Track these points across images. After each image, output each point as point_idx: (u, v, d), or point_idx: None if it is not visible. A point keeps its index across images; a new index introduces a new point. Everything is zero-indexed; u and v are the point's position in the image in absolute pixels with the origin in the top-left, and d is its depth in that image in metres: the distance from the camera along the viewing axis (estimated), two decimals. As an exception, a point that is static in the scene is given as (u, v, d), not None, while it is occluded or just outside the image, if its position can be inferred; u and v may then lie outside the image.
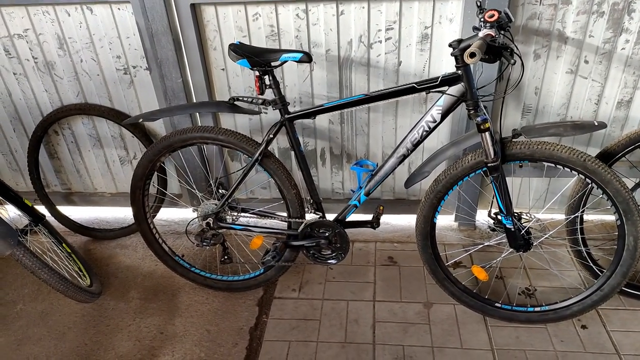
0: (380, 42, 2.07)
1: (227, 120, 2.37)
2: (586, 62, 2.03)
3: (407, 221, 2.59)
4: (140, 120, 1.90)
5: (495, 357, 1.81)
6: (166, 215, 2.72)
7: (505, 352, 1.83)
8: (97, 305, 2.16)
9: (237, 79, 2.23)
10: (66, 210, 2.63)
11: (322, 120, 2.31)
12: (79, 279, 2.13)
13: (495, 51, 1.45)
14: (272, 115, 2.30)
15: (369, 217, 2.01)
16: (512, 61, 1.40)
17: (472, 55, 1.30)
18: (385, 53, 2.09)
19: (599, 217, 2.44)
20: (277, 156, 2.39)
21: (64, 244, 2.25)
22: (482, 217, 2.42)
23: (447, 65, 2.10)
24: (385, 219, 2.61)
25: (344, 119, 2.29)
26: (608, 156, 1.88)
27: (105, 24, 2.14)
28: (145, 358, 1.89)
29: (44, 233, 2.19)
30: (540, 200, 2.43)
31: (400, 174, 2.43)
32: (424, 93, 1.67)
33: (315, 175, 2.48)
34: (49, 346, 1.97)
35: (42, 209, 2.50)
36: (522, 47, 2.02)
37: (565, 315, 1.87)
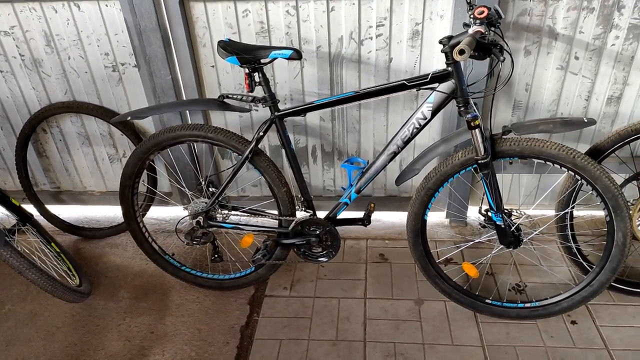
0: (371, 38, 2.06)
1: (218, 118, 2.35)
2: (576, 58, 2.04)
3: (399, 218, 2.59)
4: (129, 118, 1.88)
5: (485, 353, 1.82)
6: (157, 213, 2.70)
7: (496, 348, 1.83)
8: (86, 305, 2.14)
9: (227, 76, 2.21)
10: (55, 209, 2.60)
11: (313, 117, 2.30)
12: (68, 278, 2.11)
13: (484, 48, 1.44)
14: (263, 112, 2.29)
15: (360, 214, 2.00)
16: (502, 58, 1.39)
17: (461, 52, 1.29)
18: (376, 50, 2.08)
19: (589, 213, 2.45)
20: (268, 154, 2.38)
21: (52, 244, 2.22)
22: (474, 214, 2.42)
23: (438, 62, 2.09)
24: (377, 216, 2.61)
25: (335, 116, 2.28)
26: (598, 152, 1.89)
27: (93, 21, 2.12)
28: (135, 358, 1.88)
29: (32, 232, 2.16)
30: (531, 196, 2.43)
31: (391, 171, 2.43)
32: (414, 90, 1.66)
33: (307, 172, 2.47)
34: (38, 347, 1.95)
35: (30, 208, 2.48)
36: (513, 44, 2.01)
37: (554, 311, 1.87)
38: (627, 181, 2.00)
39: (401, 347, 1.86)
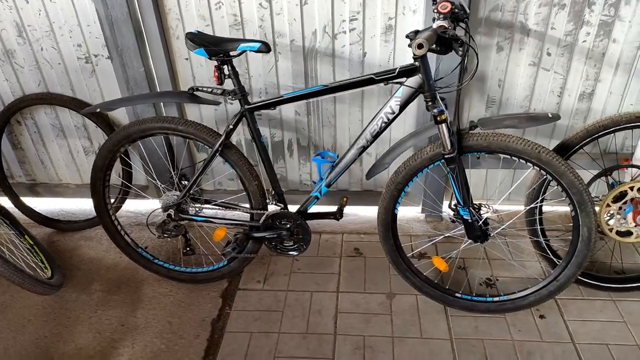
0: (345, 32, 2.06)
1: (193, 111, 2.34)
2: (548, 54, 2.04)
3: (375, 212, 2.58)
4: (99, 109, 1.87)
5: (453, 346, 1.83)
6: (133, 206, 2.69)
7: (464, 342, 1.85)
8: (58, 297, 2.13)
9: (202, 69, 2.20)
10: (31, 201, 2.59)
11: (288, 111, 2.29)
12: (39, 271, 2.10)
13: (446, 43, 1.45)
14: (239, 105, 2.28)
15: (333, 208, 2.01)
16: (460, 53, 1.40)
17: (420, 46, 1.29)
18: (350, 44, 2.08)
19: (562, 208, 2.46)
20: (243, 147, 2.39)
21: (26, 236, 2.21)
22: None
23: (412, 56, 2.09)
24: (353, 210, 2.62)
25: (310, 110, 2.28)
26: (566, 148, 1.90)
27: (65, 12, 2.10)
28: (104, 350, 1.88)
29: (3, 224, 2.15)
30: (504, 191, 2.44)
31: (367, 165, 2.43)
32: (382, 84, 1.66)
33: (283, 166, 2.47)
34: (8, 339, 1.94)
35: (5, 200, 2.47)
36: (485, 39, 2.02)
37: (522, 305, 1.89)
38: (596, 177, 2.01)
39: (370, 340, 1.87)
